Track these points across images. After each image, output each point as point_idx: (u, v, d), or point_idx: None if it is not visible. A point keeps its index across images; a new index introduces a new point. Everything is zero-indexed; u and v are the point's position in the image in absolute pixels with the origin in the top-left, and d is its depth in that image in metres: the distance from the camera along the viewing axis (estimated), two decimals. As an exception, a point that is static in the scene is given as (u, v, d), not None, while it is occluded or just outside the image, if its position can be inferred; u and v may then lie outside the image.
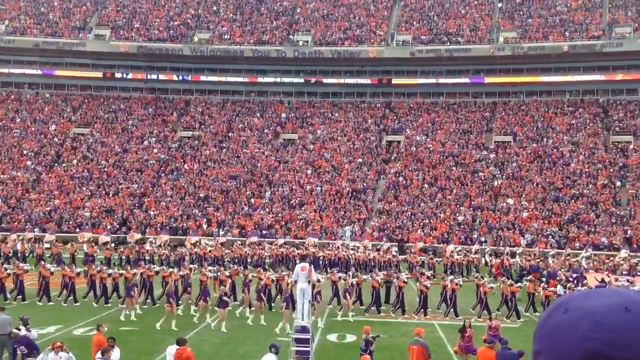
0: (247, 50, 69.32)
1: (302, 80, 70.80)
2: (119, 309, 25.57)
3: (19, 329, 16.71)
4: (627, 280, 29.41)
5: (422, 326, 17.97)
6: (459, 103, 67.97)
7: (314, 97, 70.96)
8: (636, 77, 64.13)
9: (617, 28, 65.14)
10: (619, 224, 48.96)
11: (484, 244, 46.60)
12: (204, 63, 70.75)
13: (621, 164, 56.21)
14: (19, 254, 38.85)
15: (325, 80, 70.12)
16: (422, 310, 25.55)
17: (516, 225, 49.73)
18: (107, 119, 68.57)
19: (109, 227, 51.09)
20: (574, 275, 30.07)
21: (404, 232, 49.80)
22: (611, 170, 55.61)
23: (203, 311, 23.92)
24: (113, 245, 43.10)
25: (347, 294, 25.30)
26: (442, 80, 68.19)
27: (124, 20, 74.67)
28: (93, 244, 41.56)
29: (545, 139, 60.68)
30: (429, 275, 28.77)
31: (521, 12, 70.23)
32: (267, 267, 35.47)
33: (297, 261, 32.45)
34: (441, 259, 39.77)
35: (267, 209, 54.27)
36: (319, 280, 24.76)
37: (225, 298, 22.98)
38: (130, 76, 72.08)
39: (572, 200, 52.17)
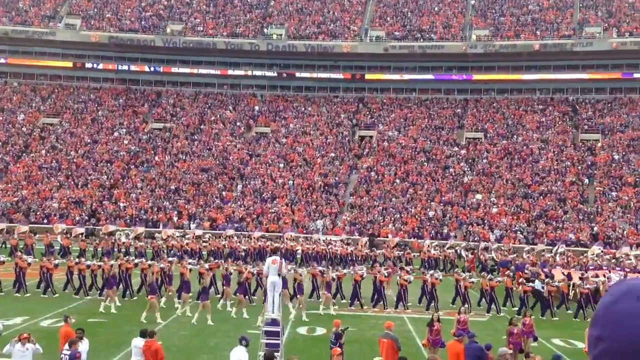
0: (220, 42, 68.86)
1: (275, 74, 70.46)
2: (87, 301, 25.31)
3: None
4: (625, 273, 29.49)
5: (392, 320, 18.08)
6: (431, 99, 68.36)
7: (287, 90, 70.75)
8: (605, 76, 65.11)
9: (587, 28, 66.03)
10: (586, 220, 49.77)
11: (454, 239, 46.97)
12: (176, 54, 70.08)
13: (589, 162, 57.09)
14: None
15: (298, 74, 69.79)
16: (402, 304, 25.76)
17: (486, 221, 50.28)
18: (77, 109, 67.66)
19: (77, 218, 50.54)
20: (543, 270, 30.36)
21: (375, 227, 50.04)
22: (579, 167, 56.45)
23: (185, 304, 23.81)
24: (83, 236, 42.62)
25: (328, 287, 25.37)
26: (414, 77, 68.48)
27: (95, 9, 73.70)
28: (68, 236, 41.05)
29: (515, 136, 61.36)
30: (408, 270, 29.02)
31: (494, 11, 70.81)
32: (245, 260, 35.51)
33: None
34: (418, 254, 40.09)
35: (238, 202, 54.12)
36: (299, 274, 25.04)
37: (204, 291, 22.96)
38: (101, 66, 71.10)
39: (541, 197, 52.89)
